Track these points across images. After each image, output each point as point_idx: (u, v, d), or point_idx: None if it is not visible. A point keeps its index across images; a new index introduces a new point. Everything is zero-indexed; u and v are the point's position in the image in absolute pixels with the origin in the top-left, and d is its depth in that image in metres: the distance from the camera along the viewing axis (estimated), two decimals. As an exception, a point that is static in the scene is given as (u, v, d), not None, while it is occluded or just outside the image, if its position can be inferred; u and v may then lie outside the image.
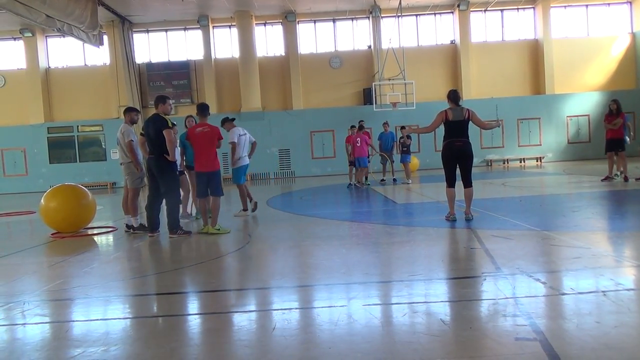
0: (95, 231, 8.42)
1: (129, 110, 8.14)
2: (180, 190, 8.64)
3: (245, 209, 9.29)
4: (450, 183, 7.12)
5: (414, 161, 19.76)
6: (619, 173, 11.64)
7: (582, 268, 4.31)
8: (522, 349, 2.69)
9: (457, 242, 6.04)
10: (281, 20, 23.49)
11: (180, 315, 3.78)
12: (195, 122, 8.17)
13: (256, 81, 22.79)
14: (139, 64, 23.49)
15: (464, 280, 4.22)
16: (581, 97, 23.41)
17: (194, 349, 3.01)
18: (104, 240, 7.75)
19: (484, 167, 22.16)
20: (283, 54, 23.77)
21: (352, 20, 23.88)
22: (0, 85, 23.61)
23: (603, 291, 3.61)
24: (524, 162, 23.28)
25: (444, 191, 7.26)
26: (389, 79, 21.90)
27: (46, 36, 23.46)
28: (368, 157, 14.02)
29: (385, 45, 22.50)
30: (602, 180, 11.65)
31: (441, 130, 7.21)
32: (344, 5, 22.53)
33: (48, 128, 23.25)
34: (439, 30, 24.09)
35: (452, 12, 23.75)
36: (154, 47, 24.04)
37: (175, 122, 7.97)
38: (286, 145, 23.34)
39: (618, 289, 3.69)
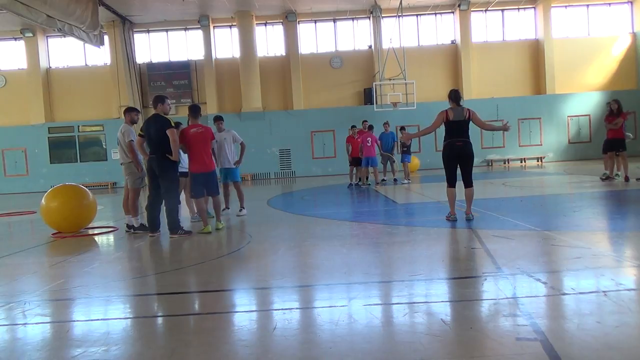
0: (96, 231, 8.43)
1: (129, 110, 8.14)
2: (184, 192, 8.68)
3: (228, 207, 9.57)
4: (451, 183, 7.11)
5: (415, 161, 19.76)
6: (619, 173, 11.62)
7: (583, 268, 4.30)
8: (523, 349, 2.69)
9: (457, 242, 6.03)
10: (282, 20, 23.49)
11: (181, 315, 3.78)
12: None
13: (257, 81, 22.79)
14: (139, 64, 23.53)
15: (464, 280, 4.21)
16: (582, 97, 23.39)
17: (194, 349, 3.00)
18: (104, 240, 7.75)
19: (484, 167, 22.15)
20: (284, 54, 23.78)
21: (353, 20, 23.88)
22: (1, 85, 23.64)
23: (604, 291, 3.60)
24: (525, 162, 23.27)
25: (445, 191, 7.25)
26: (390, 79, 21.89)
27: (47, 36, 23.48)
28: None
29: (385, 45, 22.50)
30: (602, 179, 11.63)
31: (442, 130, 7.20)
32: (344, 5, 22.52)
33: (49, 128, 23.28)
34: (439, 30, 24.08)
35: (453, 12, 23.74)
36: (154, 47, 24.06)
37: (180, 122, 8.04)
38: (287, 145, 23.35)
39: (619, 289, 3.68)
